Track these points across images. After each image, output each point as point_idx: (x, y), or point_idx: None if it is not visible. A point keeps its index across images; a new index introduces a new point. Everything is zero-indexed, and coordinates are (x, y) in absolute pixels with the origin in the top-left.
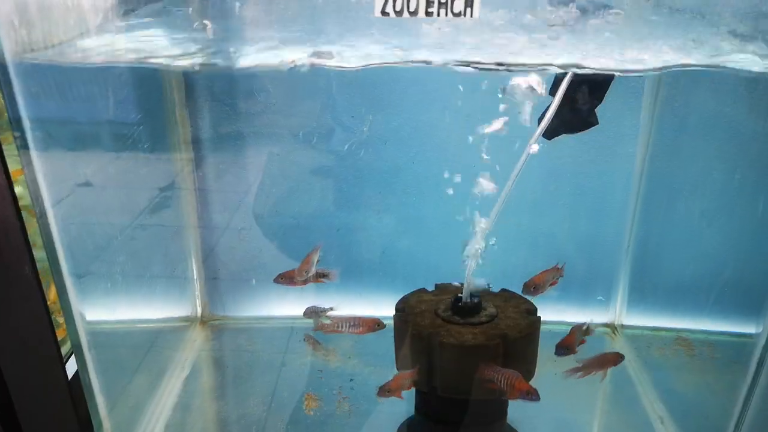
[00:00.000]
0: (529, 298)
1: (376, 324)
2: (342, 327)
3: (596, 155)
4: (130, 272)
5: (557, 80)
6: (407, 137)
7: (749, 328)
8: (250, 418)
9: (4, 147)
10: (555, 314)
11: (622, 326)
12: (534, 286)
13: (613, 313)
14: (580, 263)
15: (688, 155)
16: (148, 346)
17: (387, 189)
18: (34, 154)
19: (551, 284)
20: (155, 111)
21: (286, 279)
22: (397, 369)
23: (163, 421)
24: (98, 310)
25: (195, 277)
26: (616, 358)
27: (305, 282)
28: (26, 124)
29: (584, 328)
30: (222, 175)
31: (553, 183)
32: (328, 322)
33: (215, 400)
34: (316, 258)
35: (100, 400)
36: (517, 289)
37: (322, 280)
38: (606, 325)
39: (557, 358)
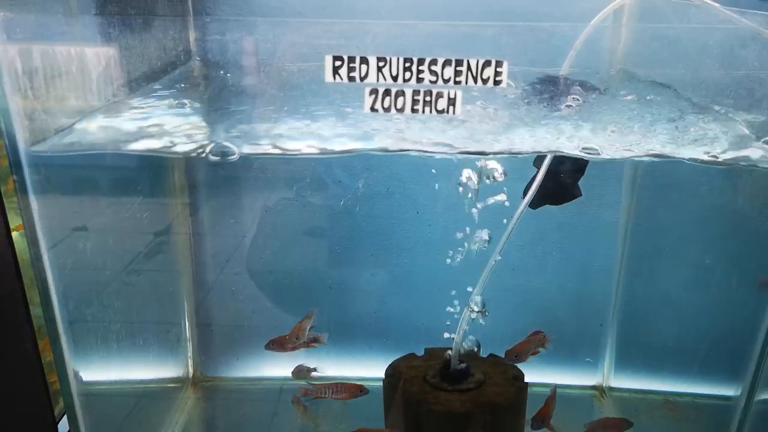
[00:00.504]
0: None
1: (359, 390)
2: (325, 393)
3: (581, 222)
4: (124, 333)
5: (540, 155)
6: (400, 198)
7: (731, 391)
8: None
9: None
10: (544, 376)
11: (610, 388)
12: (516, 355)
13: (601, 375)
14: (568, 325)
15: (668, 223)
16: (139, 407)
17: (380, 249)
18: (32, 198)
19: (533, 353)
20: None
21: (277, 345)
22: None
23: None
24: (92, 371)
25: (188, 338)
26: (621, 424)
27: (295, 348)
28: (25, 168)
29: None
30: (218, 236)
31: (540, 248)
32: (311, 387)
33: None
34: (308, 326)
35: None
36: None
37: (313, 345)
38: (594, 387)
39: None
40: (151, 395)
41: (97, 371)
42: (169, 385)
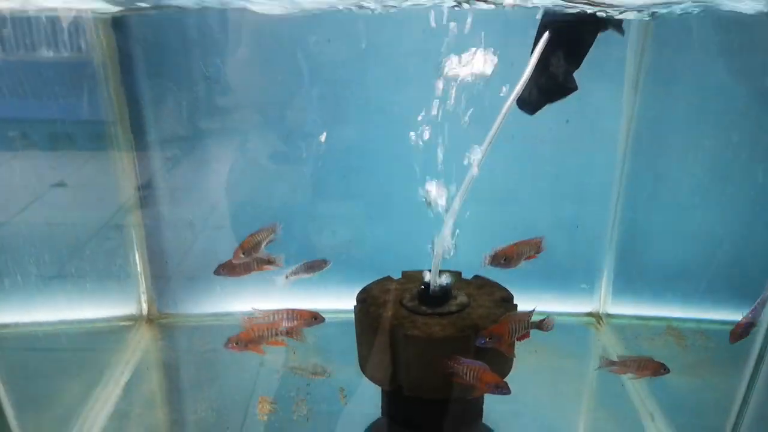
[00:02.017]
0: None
1: (312, 317)
2: (275, 320)
3: (576, 132)
4: (53, 268)
5: (535, 42)
6: (372, 114)
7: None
8: (197, 426)
9: None
10: (534, 303)
11: (608, 315)
12: (505, 258)
13: (598, 302)
14: (562, 249)
15: (676, 130)
16: (79, 350)
17: (352, 172)
18: None
19: (527, 258)
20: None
21: (227, 269)
22: (360, 366)
23: None
24: (10, 312)
25: (139, 271)
26: (658, 368)
27: (248, 270)
28: None
29: (536, 320)
30: (167, 158)
31: (531, 164)
32: (257, 315)
33: (159, 406)
34: (264, 240)
35: (10, 413)
36: (494, 278)
37: (268, 267)
38: (590, 314)
39: (539, 352)
40: (93, 336)
41: (17, 313)
42: (116, 324)
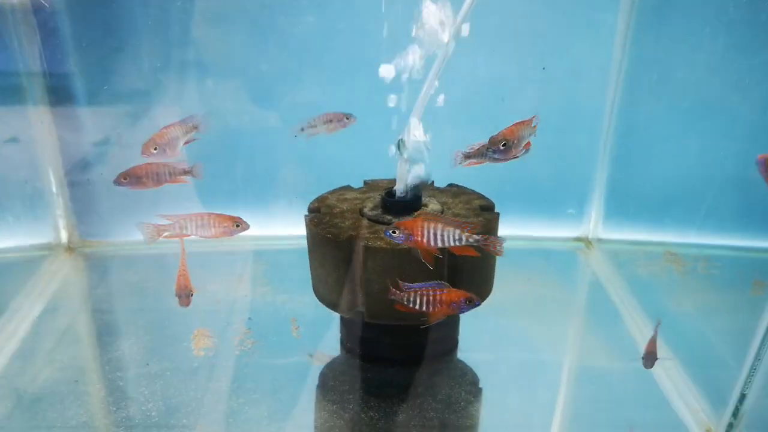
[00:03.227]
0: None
1: (234, 224)
2: (187, 229)
3: (567, 27)
4: None
5: None
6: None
7: (756, 241)
8: (119, 363)
9: None
10: (517, 229)
11: (599, 240)
12: (504, 142)
13: (587, 225)
14: (547, 168)
15: (681, 28)
16: None
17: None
18: None
19: (526, 146)
20: None
21: (132, 178)
22: (313, 287)
23: None
24: None
25: (54, 191)
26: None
27: (158, 181)
28: None
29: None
30: (90, 50)
31: (515, 66)
32: (166, 222)
33: (75, 343)
34: (182, 135)
35: None
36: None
37: (184, 179)
38: (578, 239)
39: (522, 278)
40: None
41: None
42: (25, 254)
